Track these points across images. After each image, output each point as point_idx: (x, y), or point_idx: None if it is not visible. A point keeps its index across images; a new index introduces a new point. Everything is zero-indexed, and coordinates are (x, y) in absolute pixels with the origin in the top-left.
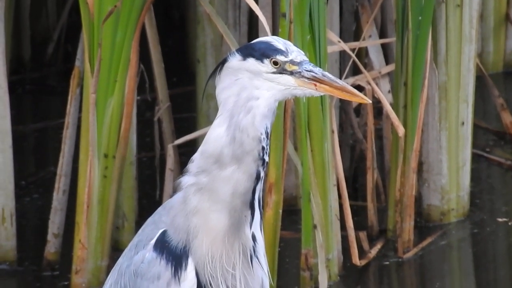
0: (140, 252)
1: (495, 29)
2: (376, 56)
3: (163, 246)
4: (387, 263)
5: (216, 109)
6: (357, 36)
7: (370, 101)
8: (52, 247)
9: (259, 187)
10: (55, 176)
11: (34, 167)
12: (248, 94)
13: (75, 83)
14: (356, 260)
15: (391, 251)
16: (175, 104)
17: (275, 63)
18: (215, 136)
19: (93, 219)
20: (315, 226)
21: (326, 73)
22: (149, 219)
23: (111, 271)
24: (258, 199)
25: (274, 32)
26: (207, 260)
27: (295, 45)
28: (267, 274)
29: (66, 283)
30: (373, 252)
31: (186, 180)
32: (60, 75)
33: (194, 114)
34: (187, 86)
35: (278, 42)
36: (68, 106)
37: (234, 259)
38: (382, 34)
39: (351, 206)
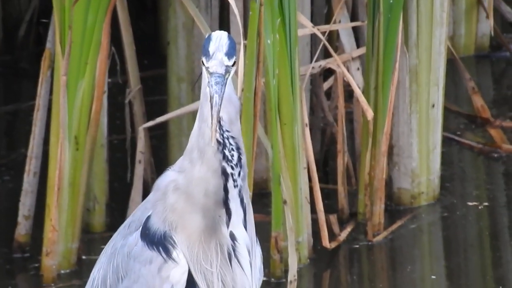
0: (135, 233)
1: (467, 12)
2: (347, 39)
3: (147, 234)
4: (357, 246)
5: (186, 92)
6: (328, 19)
7: (213, 144)
8: (22, 229)
9: (231, 184)
10: (26, 158)
11: (5, 149)
12: (206, 82)
13: (46, 65)
14: (326, 243)
15: (361, 234)
16: (146, 87)
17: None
18: (194, 130)
19: (64, 202)
20: (285, 202)
21: (215, 97)
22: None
23: (104, 249)
24: (240, 198)
25: (246, 15)
26: (186, 253)
27: (229, 52)
28: (254, 274)
29: (36, 265)
30: (343, 235)
31: (169, 173)
32: (32, 58)
33: (165, 97)
34: (159, 69)
35: (214, 42)
36: (39, 88)
37: (211, 257)
38: (354, 17)
39: (321, 189)
